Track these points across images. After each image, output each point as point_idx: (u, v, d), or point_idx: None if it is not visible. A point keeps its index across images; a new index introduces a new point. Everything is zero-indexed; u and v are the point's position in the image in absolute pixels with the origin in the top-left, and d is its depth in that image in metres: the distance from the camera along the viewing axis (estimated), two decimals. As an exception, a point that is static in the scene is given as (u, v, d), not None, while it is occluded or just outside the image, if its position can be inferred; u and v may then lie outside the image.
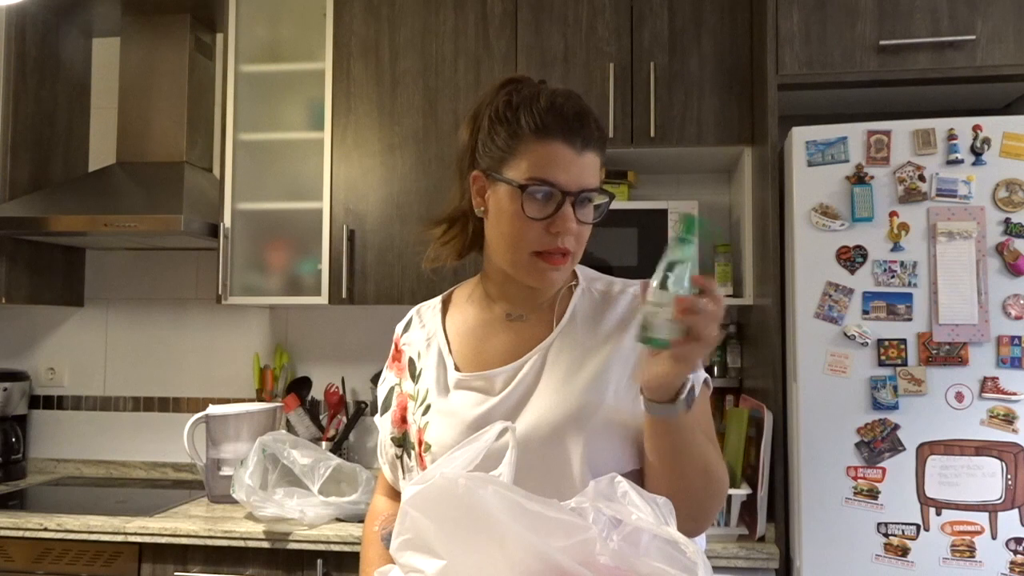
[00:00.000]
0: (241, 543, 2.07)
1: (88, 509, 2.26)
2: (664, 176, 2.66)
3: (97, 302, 2.94)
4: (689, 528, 1.00)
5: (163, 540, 2.10)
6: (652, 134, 2.29)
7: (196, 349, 2.87)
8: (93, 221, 2.45)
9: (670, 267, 0.91)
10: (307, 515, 2.06)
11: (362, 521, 1.69)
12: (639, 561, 0.80)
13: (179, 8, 2.71)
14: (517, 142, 1.05)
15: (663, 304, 0.89)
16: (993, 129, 1.87)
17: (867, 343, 1.88)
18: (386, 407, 1.21)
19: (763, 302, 2.11)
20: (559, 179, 1.03)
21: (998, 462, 1.81)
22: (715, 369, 2.49)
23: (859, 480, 1.86)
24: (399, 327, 1.26)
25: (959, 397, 1.84)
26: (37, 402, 2.92)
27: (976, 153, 1.87)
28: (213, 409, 2.38)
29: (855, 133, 1.92)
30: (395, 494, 1.23)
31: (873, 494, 1.85)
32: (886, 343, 1.87)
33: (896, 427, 1.86)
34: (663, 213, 2.29)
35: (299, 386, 2.74)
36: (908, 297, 1.87)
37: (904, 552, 1.83)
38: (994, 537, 1.80)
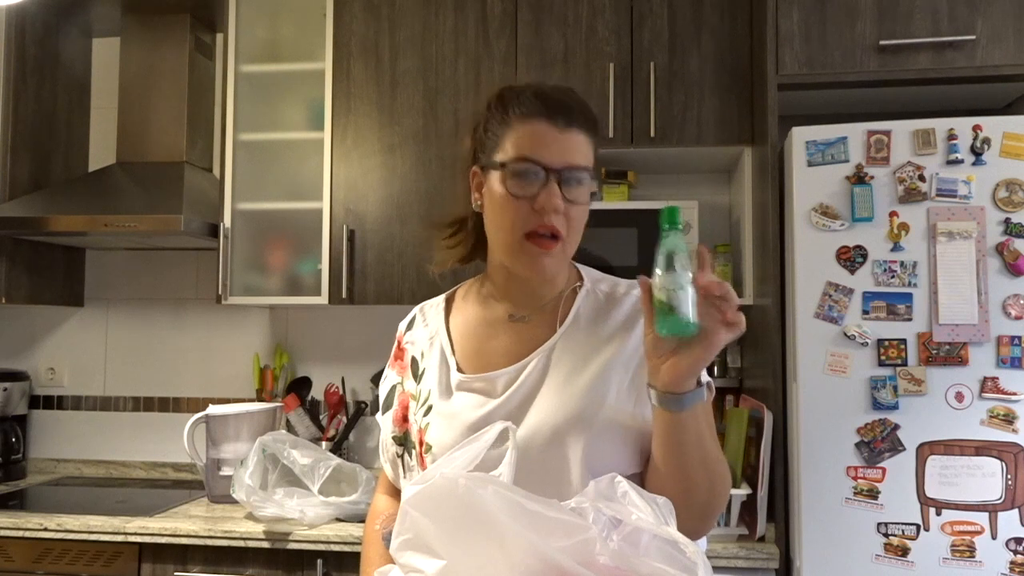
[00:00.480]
0: (241, 543, 2.07)
1: (88, 509, 2.26)
2: (664, 176, 2.66)
3: (97, 302, 2.94)
4: (696, 528, 1.01)
5: (163, 540, 2.10)
6: (652, 134, 2.29)
7: (196, 349, 2.87)
8: (93, 221, 2.45)
9: (669, 256, 0.90)
10: (307, 515, 2.06)
11: (362, 521, 1.69)
12: (639, 561, 0.80)
13: (179, 8, 2.71)
14: (505, 128, 1.08)
15: (678, 287, 0.88)
16: (993, 129, 1.87)
17: (867, 343, 1.88)
18: (388, 405, 1.21)
19: (763, 302, 2.11)
20: (541, 155, 1.04)
21: (998, 462, 1.81)
22: (715, 369, 2.49)
23: (859, 480, 1.86)
24: (402, 325, 1.26)
25: (959, 397, 1.84)
26: (37, 402, 2.92)
27: (976, 153, 1.87)
28: (213, 409, 2.38)
29: (855, 133, 1.92)
30: (396, 492, 1.23)
31: (873, 494, 1.85)
32: (886, 343, 1.87)
33: (896, 427, 1.86)
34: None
35: (299, 386, 2.74)
36: (908, 297, 1.87)
37: (904, 552, 1.83)
38: (994, 537, 1.80)
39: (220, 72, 2.79)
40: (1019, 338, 1.83)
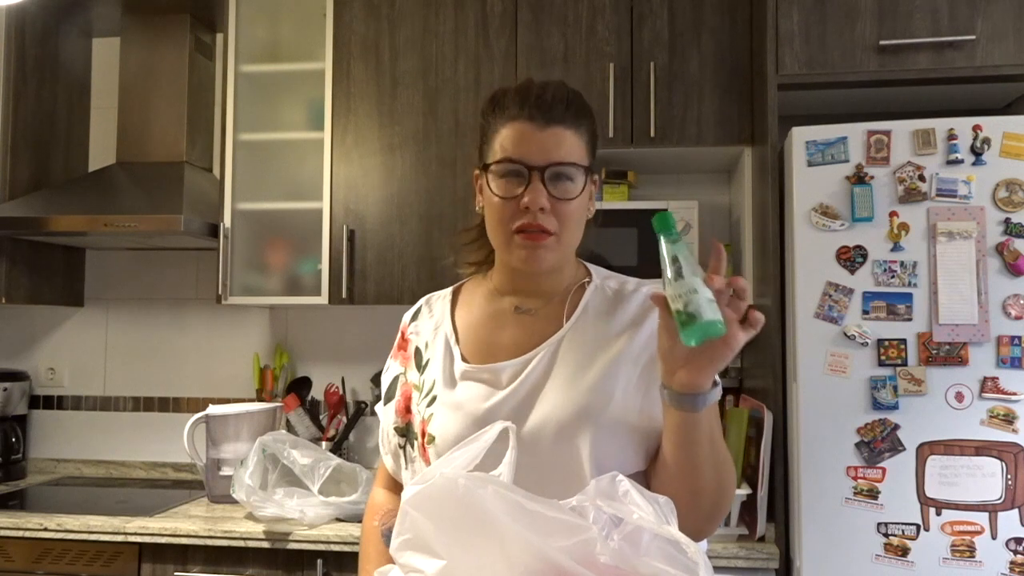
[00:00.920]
0: (241, 543, 2.07)
1: (88, 509, 2.26)
2: (664, 176, 2.66)
3: (97, 302, 2.94)
4: (701, 529, 1.00)
5: (163, 540, 2.10)
6: (652, 134, 2.29)
7: (196, 349, 2.87)
8: (93, 221, 2.45)
9: (674, 261, 0.88)
10: (307, 515, 2.06)
11: (362, 521, 1.69)
12: (639, 561, 0.80)
13: (179, 8, 2.71)
14: (493, 132, 1.10)
15: (691, 291, 0.85)
16: (993, 129, 1.87)
17: (867, 343, 1.88)
18: (390, 396, 1.21)
19: (763, 302, 2.11)
20: (522, 155, 1.05)
21: (998, 462, 1.81)
22: (715, 369, 2.49)
23: (859, 480, 1.86)
24: (407, 316, 1.26)
25: (959, 397, 1.84)
26: (37, 402, 2.92)
27: (976, 153, 1.87)
28: (213, 409, 2.38)
29: (855, 133, 1.92)
30: (395, 485, 1.23)
31: (873, 494, 1.85)
32: (886, 343, 1.87)
33: (896, 427, 1.86)
34: (663, 213, 2.29)
35: (299, 386, 2.74)
36: (908, 297, 1.87)
37: (904, 552, 1.83)
38: (994, 537, 1.80)
39: (220, 72, 2.79)
40: (1019, 338, 1.83)
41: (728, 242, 2.56)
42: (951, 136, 1.88)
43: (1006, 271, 1.84)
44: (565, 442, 1.03)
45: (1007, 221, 1.85)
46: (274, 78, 2.60)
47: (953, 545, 1.81)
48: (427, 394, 1.13)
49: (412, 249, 2.41)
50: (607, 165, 2.49)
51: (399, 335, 1.25)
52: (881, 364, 1.87)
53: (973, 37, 1.99)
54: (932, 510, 1.83)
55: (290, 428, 2.65)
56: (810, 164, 1.94)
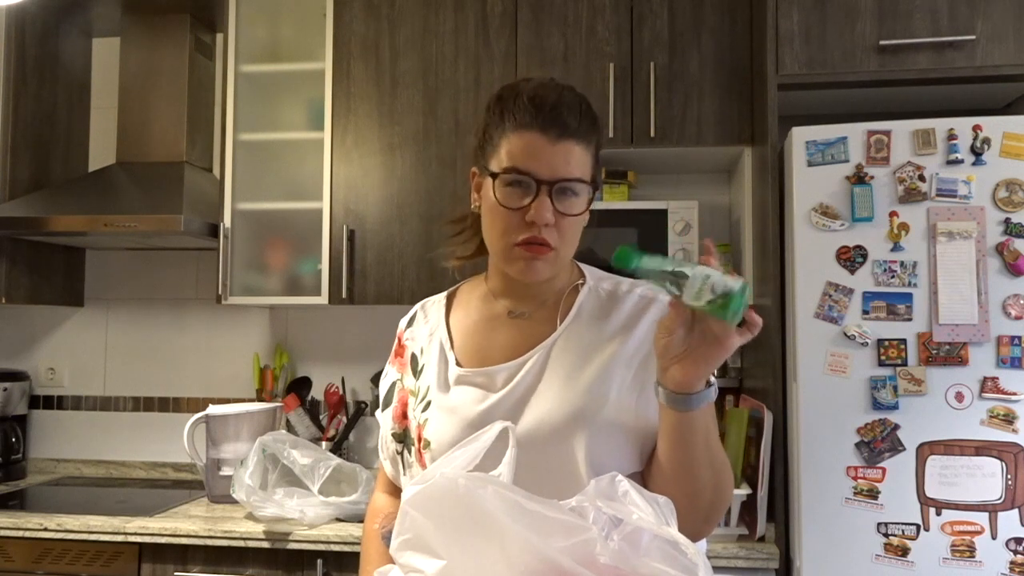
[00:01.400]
0: (241, 543, 2.07)
1: (88, 509, 2.26)
2: (664, 176, 2.66)
3: (97, 302, 2.94)
4: (699, 529, 1.01)
5: (163, 540, 2.10)
6: (652, 134, 2.29)
7: (196, 349, 2.87)
8: (93, 221, 2.45)
9: (667, 275, 0.89)
10: (307, 515, 2.06)
11: (362, 521, 1.69)
12: (639, 561, 0.80)
13: (179, 8, 2.71)
14: (500, 136, 1.07)
15: (700, 282, 0.85)
16: (993, 129, 1.87)
17: (867, 343, 1.88)
18: (387, 402, 1.21)
19: (763, 302, 2.11)
20: (531, 168, 1.04)
21: (998, 462, 1.81)
22: (715, 369, 2.49)
23: (859, 480, 1.86)
24: (403, 322, 1.26)
25: (959, 397, 1.84)
26: (37, 402, 2.92)
27: (976, 153, 1.87)
28: (213, 409, 2.38)
29: (855, 133, 1.92)
30: (395, 490, 1.23)
31: (873, 494, 1.85)
32: (886, 343, 1.87)
33: (896, 427, 1.85)
34: (663, 213, 2.29)
35: (299, 386, 2.74)
36: (908, 297, 1.87)
37: (904, 552, 1.83)
38: (994, 537, 1.80)
39: (220, 72, 2.79)
40: (1019, 338, 1.83)
41: (728, 242, 2.56)
42: (951, 136, 1.87)
43: (1006, 271, 1.84)
44: (560, 444, 1.03)
45: (1007, 221, 1.85)
46: (274, 78, 2.60)
47: (953, 545, 1.81)
48: (422, 399, 1.13)
49: (412, 249, 2.41)
50: (607, 165, 2.49)
51: (396, 341, 1.25)
52: (881, 364, 1.87)
53: (973, 37, 1.99)
54: (932, 510, 1.83)
55: (290, 428, 2.65)
56: (810, 164, 1.94)
